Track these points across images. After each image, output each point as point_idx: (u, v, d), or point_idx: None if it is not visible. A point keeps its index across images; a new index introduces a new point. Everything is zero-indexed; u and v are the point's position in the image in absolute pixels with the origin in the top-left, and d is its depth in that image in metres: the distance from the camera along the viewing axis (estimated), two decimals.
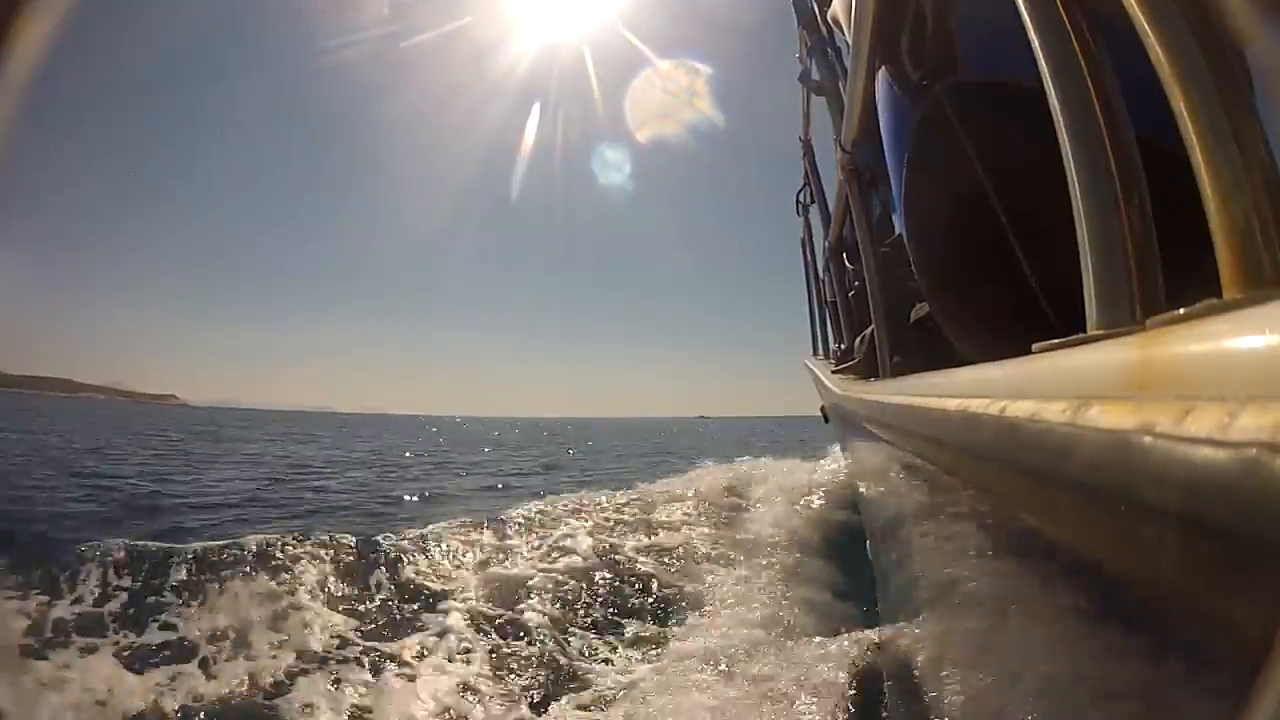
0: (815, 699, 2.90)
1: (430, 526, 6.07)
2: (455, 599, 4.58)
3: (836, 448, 8.17)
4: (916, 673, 1.80)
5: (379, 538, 5.49)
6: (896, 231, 2.46)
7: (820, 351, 6.08)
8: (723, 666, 3.38)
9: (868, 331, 2.95)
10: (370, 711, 3.28)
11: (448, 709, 3.32)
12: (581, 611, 4.54)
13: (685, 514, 6.83)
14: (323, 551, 5.02)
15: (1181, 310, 0.52)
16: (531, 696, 3.46)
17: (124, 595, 4.29)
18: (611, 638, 4.25)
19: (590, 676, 3.68)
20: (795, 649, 3.49)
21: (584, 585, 4.87)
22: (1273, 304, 0.43)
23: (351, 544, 5.24)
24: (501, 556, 5.49)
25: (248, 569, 4.63)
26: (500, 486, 11.57)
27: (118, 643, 3.78)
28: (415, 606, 4.51)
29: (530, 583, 4.83)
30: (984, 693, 1.08)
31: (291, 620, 4.06)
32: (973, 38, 1.57)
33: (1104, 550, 0.56)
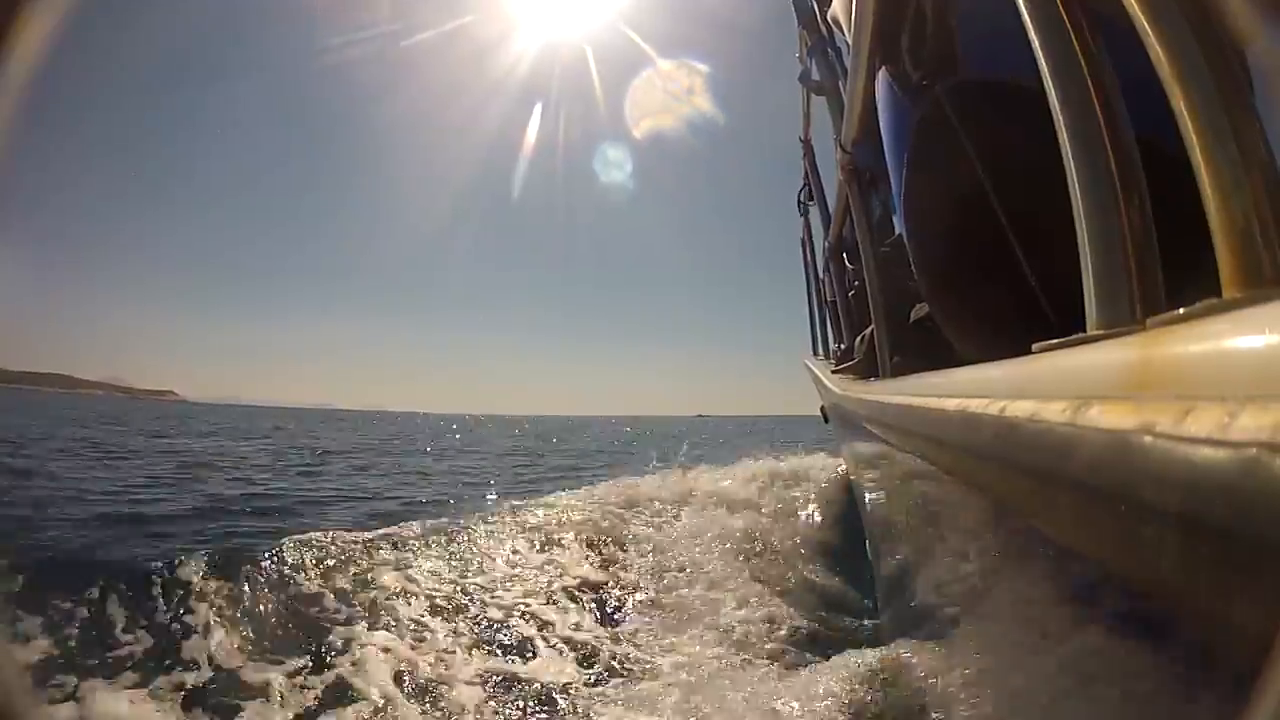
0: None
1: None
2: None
3: (748, 459, 7.93)
4: (917, 671, 1.80)
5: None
6: (896, 231, 2.46)
7: (820, 351, 6.08)
8: None
9: (868, 331, 2.95)
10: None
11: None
12: None
13: None
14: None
15: (1181, 310, 0.52)
16: None
17: None
18: None
19: None
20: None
21: None
22: (1273, 304, 0.43)
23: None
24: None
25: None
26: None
27: None
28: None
29: None
30: (985, 690, 1.08)
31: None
32: (973, 37, 1.58)
33: (1104, 550, 0.56)
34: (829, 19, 2.95)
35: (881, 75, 1.88)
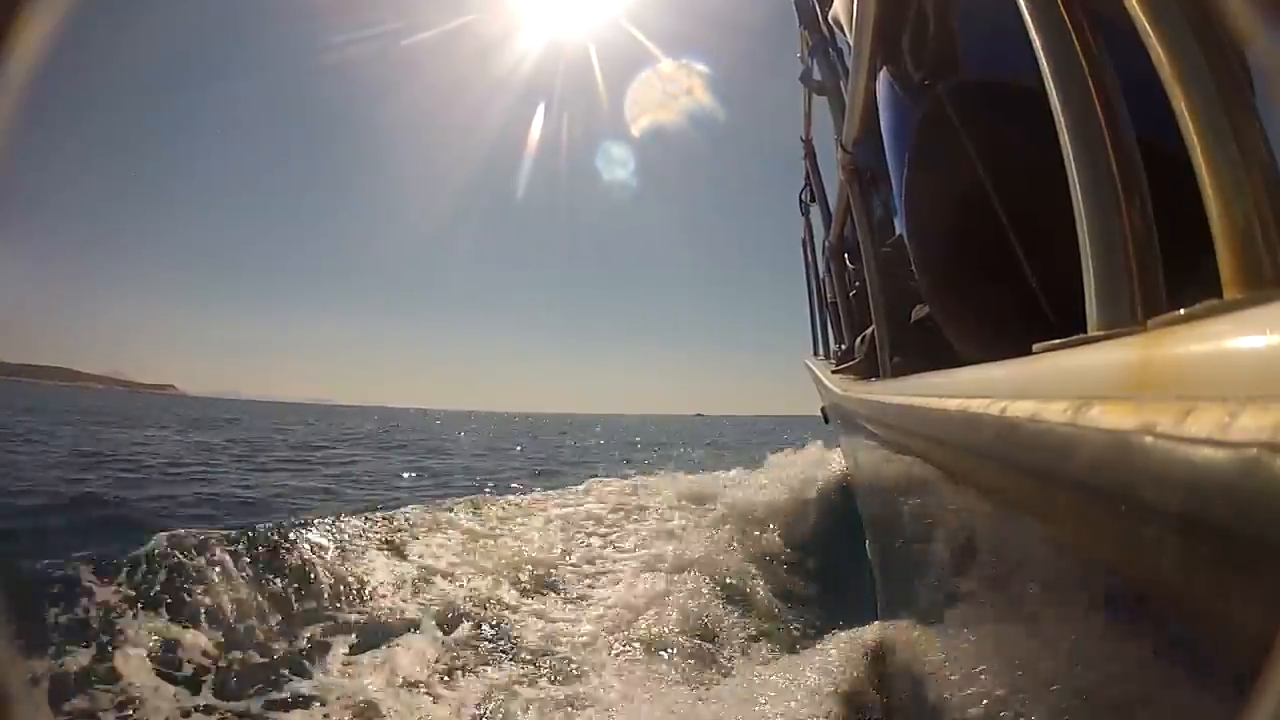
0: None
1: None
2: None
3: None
4: (916, 673, 1.80)
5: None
6: (897, 231, 2.45)
7: (820, 351, 6.07)
8: None
9: (868, 331, 2.95)
10: None
11: None
12: None
13: None
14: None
15: (1182, 311, 0.52)
16: None
17: None
18: None
19: None
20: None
21: None
22: (1273, 304, 0.43)
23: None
24: None
25: None
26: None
27: None
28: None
29: None
30: (984, 693, 1.08)
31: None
32: (974, 38, 1.57)
33: (1104, 550, 0.56)
34: (830, 20, 2.95)
35: (882, 75, 1.88)
